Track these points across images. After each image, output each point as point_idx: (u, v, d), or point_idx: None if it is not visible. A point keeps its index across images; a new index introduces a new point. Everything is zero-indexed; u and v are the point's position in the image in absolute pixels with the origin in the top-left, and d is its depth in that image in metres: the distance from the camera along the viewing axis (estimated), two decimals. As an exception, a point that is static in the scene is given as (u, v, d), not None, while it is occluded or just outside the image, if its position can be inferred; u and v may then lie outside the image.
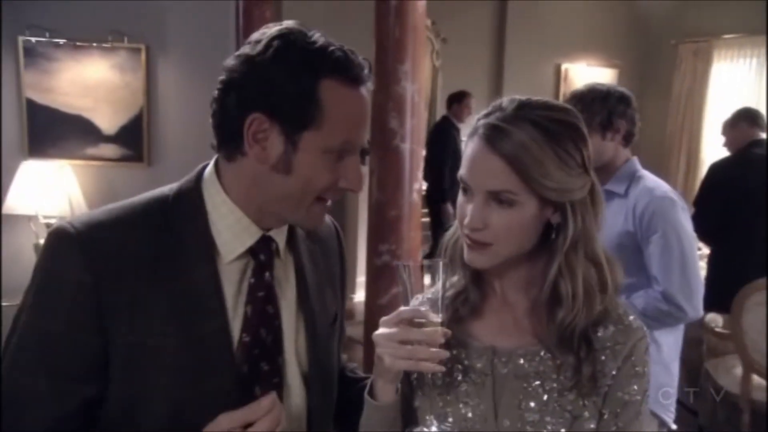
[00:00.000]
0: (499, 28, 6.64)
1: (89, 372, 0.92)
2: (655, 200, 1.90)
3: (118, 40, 3.46)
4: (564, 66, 6.93)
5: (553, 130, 0.96)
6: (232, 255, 1.00)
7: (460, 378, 1.05)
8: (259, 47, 0.94)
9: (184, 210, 0.99)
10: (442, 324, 0.98)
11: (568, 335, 1.00)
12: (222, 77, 0.97)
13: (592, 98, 1.96)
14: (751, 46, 6.31)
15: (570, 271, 1.00)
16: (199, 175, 1.03)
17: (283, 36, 0.95)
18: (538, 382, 1.02)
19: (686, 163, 6.73)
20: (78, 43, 3.36)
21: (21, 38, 3.26)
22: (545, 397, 1.01)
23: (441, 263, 0.99)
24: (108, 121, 3.51)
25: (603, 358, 1.01)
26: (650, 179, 1.98)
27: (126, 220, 0.96)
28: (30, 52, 3.29)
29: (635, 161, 2.02)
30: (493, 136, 0.96)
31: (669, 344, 1.98)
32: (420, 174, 3.29)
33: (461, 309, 1.08)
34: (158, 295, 0.93)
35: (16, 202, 3.24)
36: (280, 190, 0.98)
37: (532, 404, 1.01)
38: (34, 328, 0.92)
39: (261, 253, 1.03)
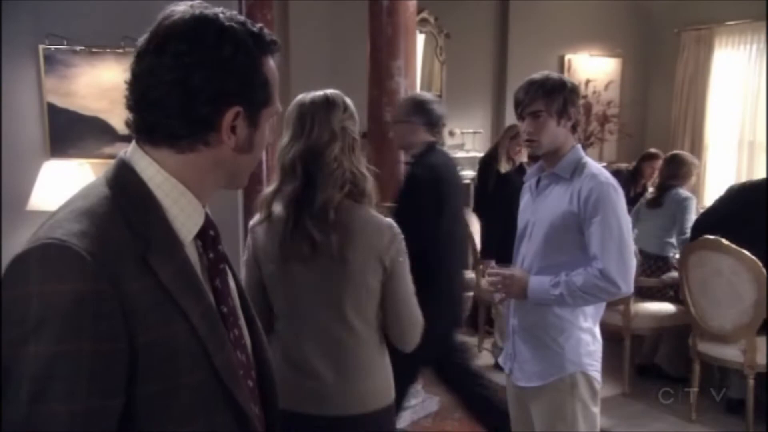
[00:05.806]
0: (502, 21, 6.71)
1: (119, 384, 0.89)
2: (599, 186, 2.07)
3: (131, 45, 3.64)
4: (567, 57, 7.00)
5: None
6: (190, 236, 1.01)
7: None
8: (211, 41, 0.94)
9: (137, 203, 0.97)
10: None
11: None
12: (174, 75, 0.95)
13: (551, 86, 2.13)
14: (751, 32, 6.37)
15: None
16: (129, 167, 1.01)
17: (223, 25, 0.95)
18: None
19: (690, 147, 6.78)
20: (94, 50, 3.51)
21: (41, 47, 3.41)
22: None
23: None
24: (122, 122, 3.61)
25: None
26: (594, 166, 2.16)
27: (98, 224, 0.92)
28: (50, 59, 3.44)
29: (579, 148, 2.20)
30: None
31: (592, 314, 2.18)
32: (414, 164, 3.46)
33: None
34: (155, 287, 0.93)
35: (40, 199, 3.39)
36: (242, 167, 1.04)
37: None
38: (58, 353, 0.85)
39: (210, 229, 1.05)
